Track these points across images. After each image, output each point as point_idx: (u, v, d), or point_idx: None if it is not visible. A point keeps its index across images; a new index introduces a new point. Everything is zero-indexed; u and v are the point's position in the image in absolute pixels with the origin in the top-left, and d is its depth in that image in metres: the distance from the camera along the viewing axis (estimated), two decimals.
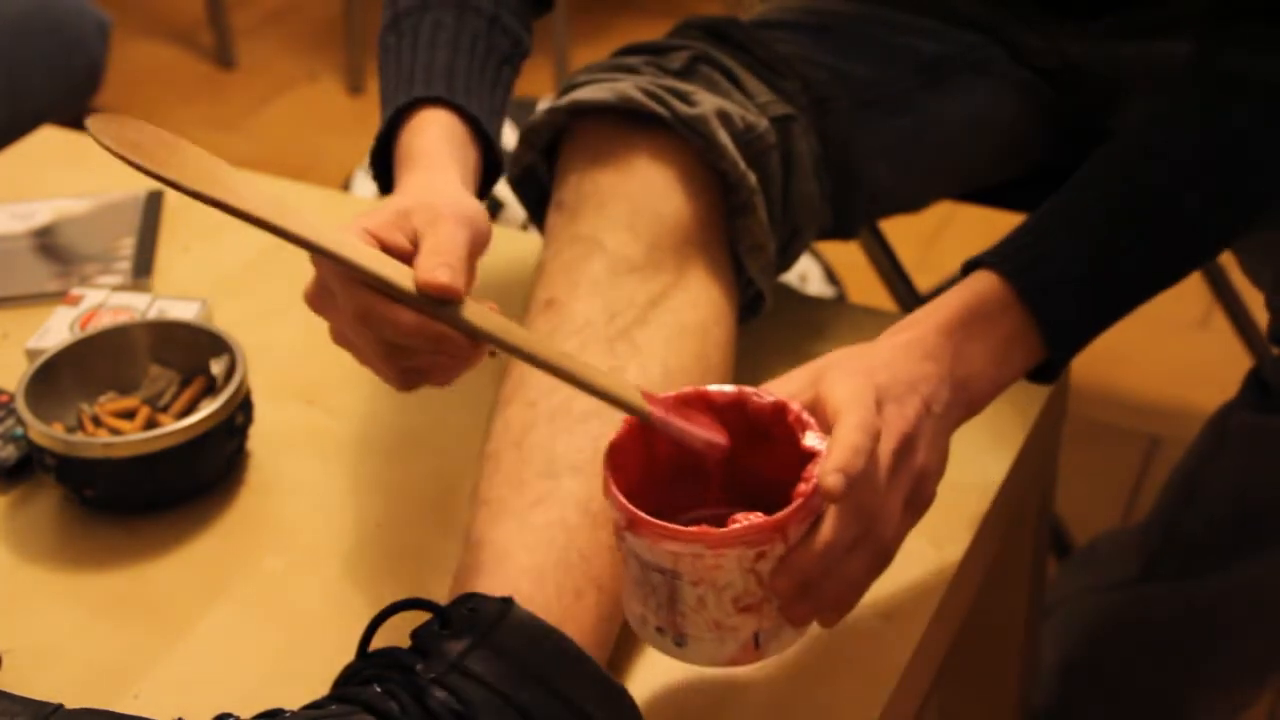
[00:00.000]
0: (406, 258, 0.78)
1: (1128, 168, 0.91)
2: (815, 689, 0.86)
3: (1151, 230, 0.89)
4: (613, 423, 0.87)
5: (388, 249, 0.78)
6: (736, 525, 0.73)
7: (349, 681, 0.76)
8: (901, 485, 0.78)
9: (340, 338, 0.82)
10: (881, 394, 0.78)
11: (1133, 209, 0.89)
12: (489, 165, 0.93)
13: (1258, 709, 1.43)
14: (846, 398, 0.76)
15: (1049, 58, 1.21)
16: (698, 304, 0.95)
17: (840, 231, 1.13)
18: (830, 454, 0.74)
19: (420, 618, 0.77)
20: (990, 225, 1.27)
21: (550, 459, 0.86)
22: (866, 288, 1.79)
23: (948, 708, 1.30)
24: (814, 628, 0.80)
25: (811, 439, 0.77)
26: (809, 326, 1.13)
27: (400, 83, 0.92)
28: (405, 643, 0.76)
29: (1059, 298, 0.87)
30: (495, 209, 1.72)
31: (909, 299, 1.54)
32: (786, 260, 1.06)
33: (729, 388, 0.80)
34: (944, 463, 0.82)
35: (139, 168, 0.75)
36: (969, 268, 0.89)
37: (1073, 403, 1.16)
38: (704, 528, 0.73)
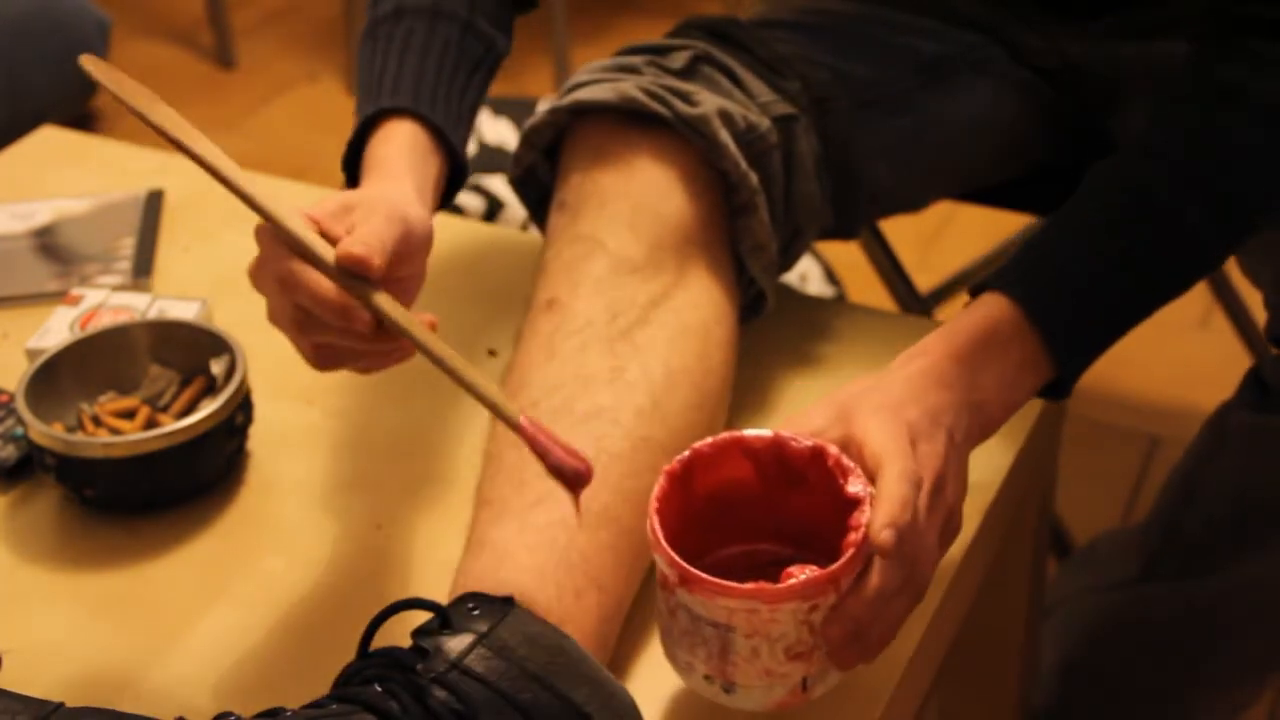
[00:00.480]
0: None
1: (1129, 183, 0.91)
2: None
3: (1156, 246, 0.90)
4: (615, 422, 0.87)
5: (325, 236, 0.81)
6: (794, 580, 0.74)
7: (350, 681, 0.76)
8: (937, 523, 0.79)
9: (271, 314, 0.84)
10: (913, 432, 0.79)
11: (1136, 225, 0.90)
12: (455, 171, 0.95)
13: (1258, 709, 1.43)
14: (885, 443, 0.78)
15: (1049, 58, 1.21)
16: (699, 304, 0.95)
17: (841, 231, 1.13)
18: (880, 508, 0.75)
19: (421, 617, 0.77)
20: (990, 225, 1.27)
21: None
22: (866, 288, 1.79)
23: (948, 708, 1.30)
24: None
25: (855, 485, 0.78)
26: (809, 326, 1.13)
27: (369, 92, 0.94)
28: (406, 642, 0.76)
29: (1069, 319, 0.88)
30: (495, 209, 1.72)
31: (909, 299, 1.54)
32: (788, 260, 1.06)
33: (765, 432, 0.81)
34: (966, 488, 0.83)
35: (118, 99, 0.84)
36: (977, 290, 0.89)
37: (1073, 403, 1.16)
38: (761, 584, 0.74)
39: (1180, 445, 1.19)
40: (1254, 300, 1.09)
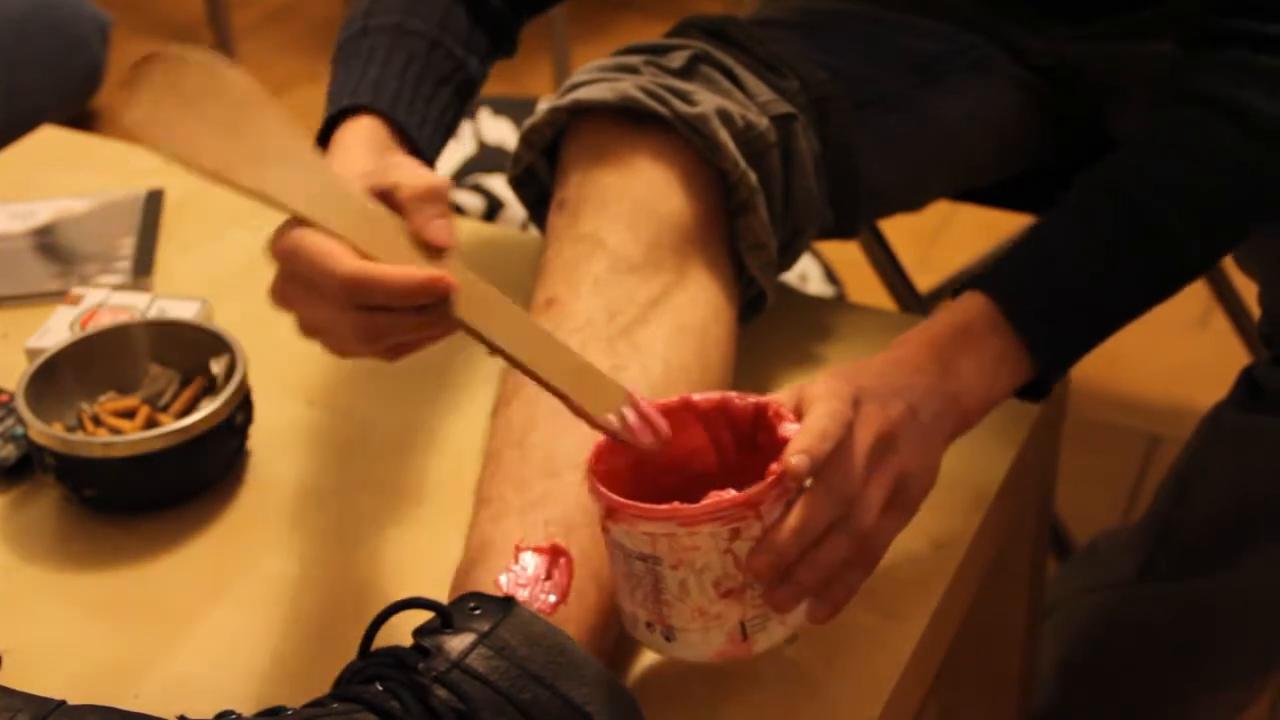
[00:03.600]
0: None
1: (1111, 189, 0.92)
2: (815, 689, 0.86)
3: (1138, 252, 0.91)
4: None
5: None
6: (709, 501, 0.75)
7: (351, 680, 0.76)
8: (882, 481, 0.79)
9: (311, 327, 0.81)
10: (862, 394, 0.80)
11: (1118, 231, 0.91)
12: None
13: (1258, 708, 1.43)
14: (823, 390, 0.79)
15: (1046, 57, 1.21)
16: (698, 303, 0.95)
17: (841, 230, 1.13)
18: (796, 437, 0.76)
19: (422, 616, 0.77)
20: (990, 225, 1.27)
21: (551, 457, 0.86)
22: (866, 287, 1.79)
23: (948, 708, 1.30)
24: (811, 629, 0.80)
25: (788, 429, 0.78)
26: (809, 326, 1.13)
27: (332, 102, 0.94)
28: (407, 642, 0.77)
29: (1045, 316, 0.89)
30: (495, 209, 1.72)
31: (909, 299, 1.54)
32: (788, 259, 1.06)
33: (713, 394, 0.82)
34: (933, 471, 0.83)
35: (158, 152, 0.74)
36: (958, 290, 0.90)
37: (1073, 403, 1.16)
38: (677, 505, 0.75)
39: (1180, 445, 1.19)
40: (1254, 300, 1.10)
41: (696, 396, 0.82)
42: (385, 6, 1.01)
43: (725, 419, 0.82)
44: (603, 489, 0.77)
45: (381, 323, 0.77)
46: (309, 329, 0.81)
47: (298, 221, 0.76)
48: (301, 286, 0.78)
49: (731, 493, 0.75)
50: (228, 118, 0.75)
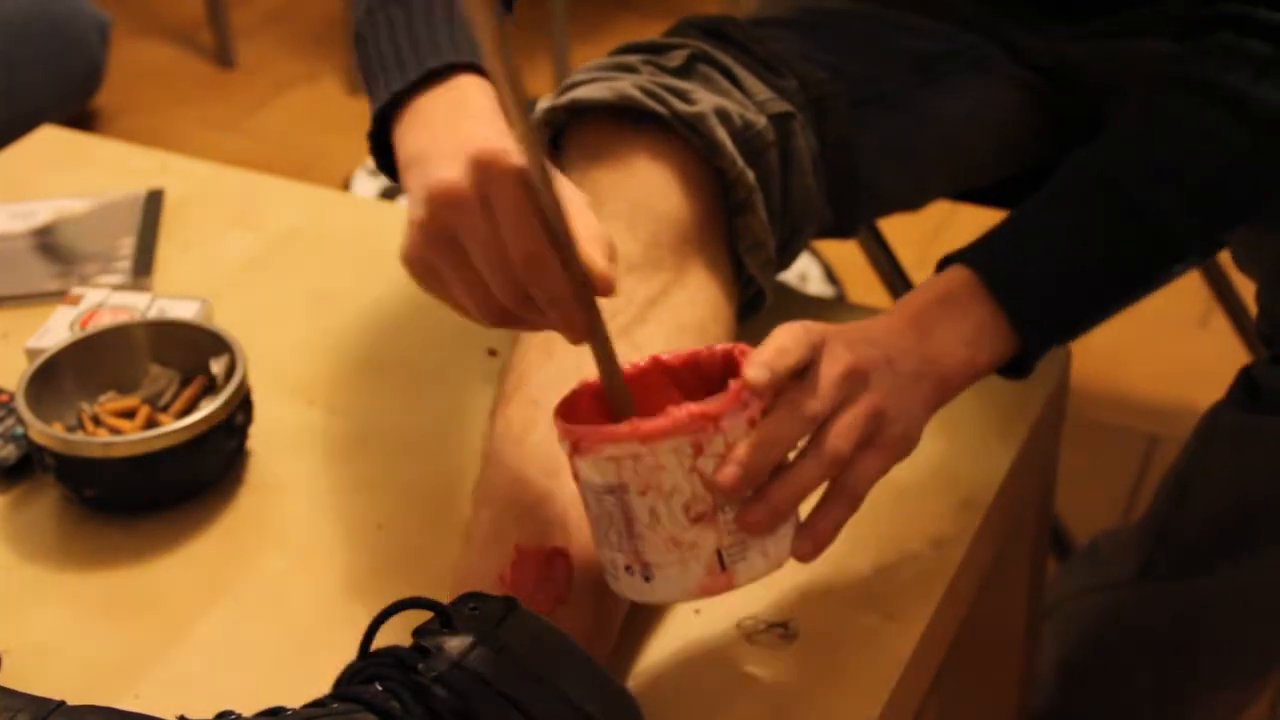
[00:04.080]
0: None
1: (1098, 171, 0.93)
2: (815, 688, 0.86)
3: (1121, 231, 0.91)
4: None
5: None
6: (666, 415, 0.75)
7: (351, 680, 0.76)
8: (854, 412, 0.79)
9: (434, 279, 0.78)
10: (829, 334, 0.80)
11: (1102, 210, 0.92)
12: None
13: (1258, 708, 1.43)
14: (786, 325, 0.79)
15: (1046, 56, 1.21)
16: (696, 302, 0.95)
17: (840, 230, 1.13)
18: (756, 352, 0.77)
19: (422, 616, 0.77)
20: (989, 225, 1.27)
21: (551, 457, 0.86)
22: (866, 287, 1.79)
23: (948, 708, 1.30)
24: (811, 629, 0.80)
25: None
26: None
27: (400, 64, 0.85)
28: (407, 642, 0.76)
29: (1028, 289, 0.89)
30: None
31: None
32: (786, 258, 1.06)
33: (682, 351, 0.82)
34: (914, 420, 0.83)
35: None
36: (941, 265, 0.91)
37: (1073, 403, 1.16)
38: (635, 420, 0.75)
39: (1180, 445, 1.19)
40: (1253, 300, 1.10)
41: (665, 355, 0.82)
42: None
43: (697, 375, 0.82)
44: (566, 424, 0.76)
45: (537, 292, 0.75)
46: (429, 282, 0.78)
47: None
48: (448, 246, 0.75)
49: (691, 405, 0.75)
50: None
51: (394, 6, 0.89)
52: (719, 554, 0.77)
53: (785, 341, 0.77)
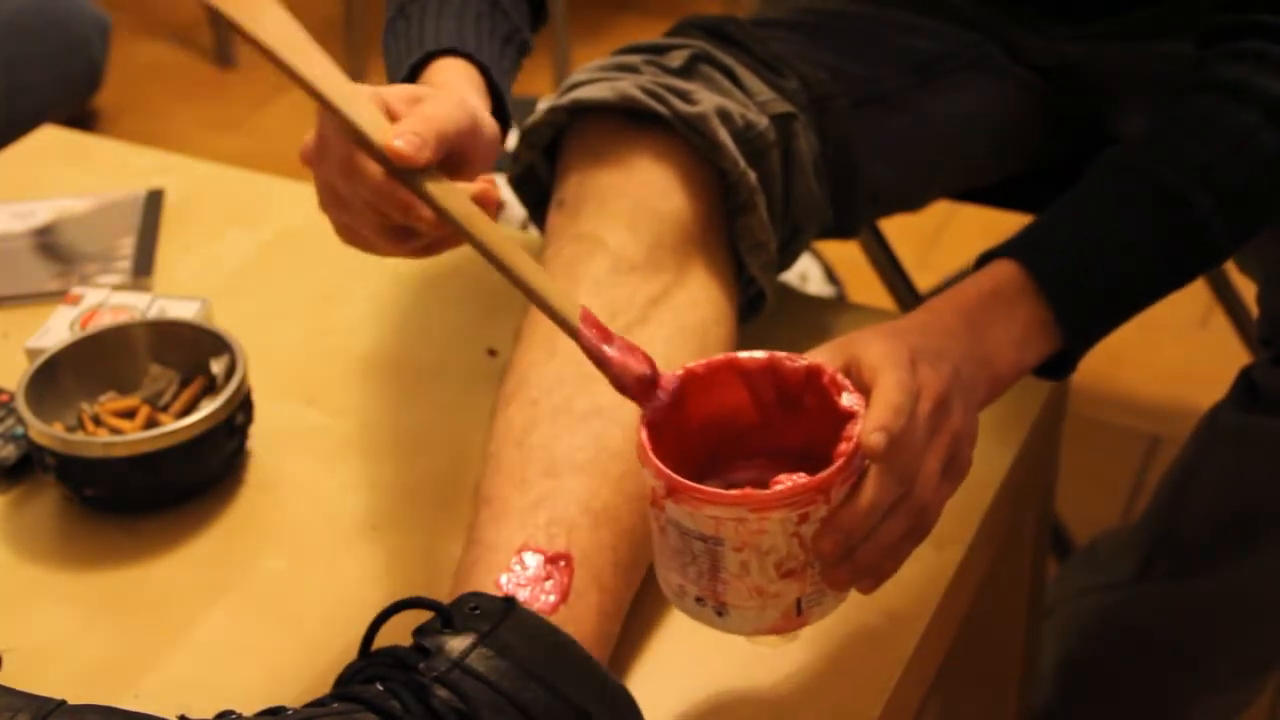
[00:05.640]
0: None
1: (1139, 169, 0.92)
2: (815, 689, 0.86)
3: (1162, 231, 0.90)
4: (615, 421, 0.87)
5: (391, 118, 0.79)
6: (781, 487, 0.73)
7: (351, 680, 0.76)
8: (939, 447, 0.78)
9: (323, 201, 0.83)
10: (914, 354, 0.78)
11: (1144, 209, 0.90)
12: (500, 120, 0.92)
13: (1257, 709, 1.43)
14: (883, 356, 0.77)
15: (1046, 57, 1.21)
16: (698, 303, 0.95)
17: (841, 230, 1.13)
18: (871, 412, 0.74)
19: (422, 617, 0.77)
20: (990, 225, 1.27)
21: (552, 458, 0.86)
22: (866, 287, 1.79)
23: (948, 708, 1.30)
24: (811, 629, 0.80)
25: (848, 399, 0.76)
26: (809, 326, 1.13)
27: (410, 48, 0.92)
28: (407, 642, 0.76)
29: (1074, 287, 0.87)
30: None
31: (909, 299, 1.54)
32: (788, 258, 1.06)
33: (760, 353, 0.80)
34: (975, 432, 0.81)
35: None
36: (984, 259, 0.89)
37: (1073, 403, 1.16)
38: (748, 491, 0.73)
39: (1180, 445, 1.19)
40: (1254, 300, 1.10)
41: (742, 355, 0.80)
42: None
43: (772, 378, 0.80)
44: (663, 468, 0.74)
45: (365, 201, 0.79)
46: (323, 202, 0.83)
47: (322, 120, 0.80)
48: (324, 151, 0.80)
49: (802, 476, 0.73)
50: None
51: (398, 20, 0.96)
52: (798, 601, 0.76)
53: (900, 400, 0.74)
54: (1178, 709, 1.27)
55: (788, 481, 0.73)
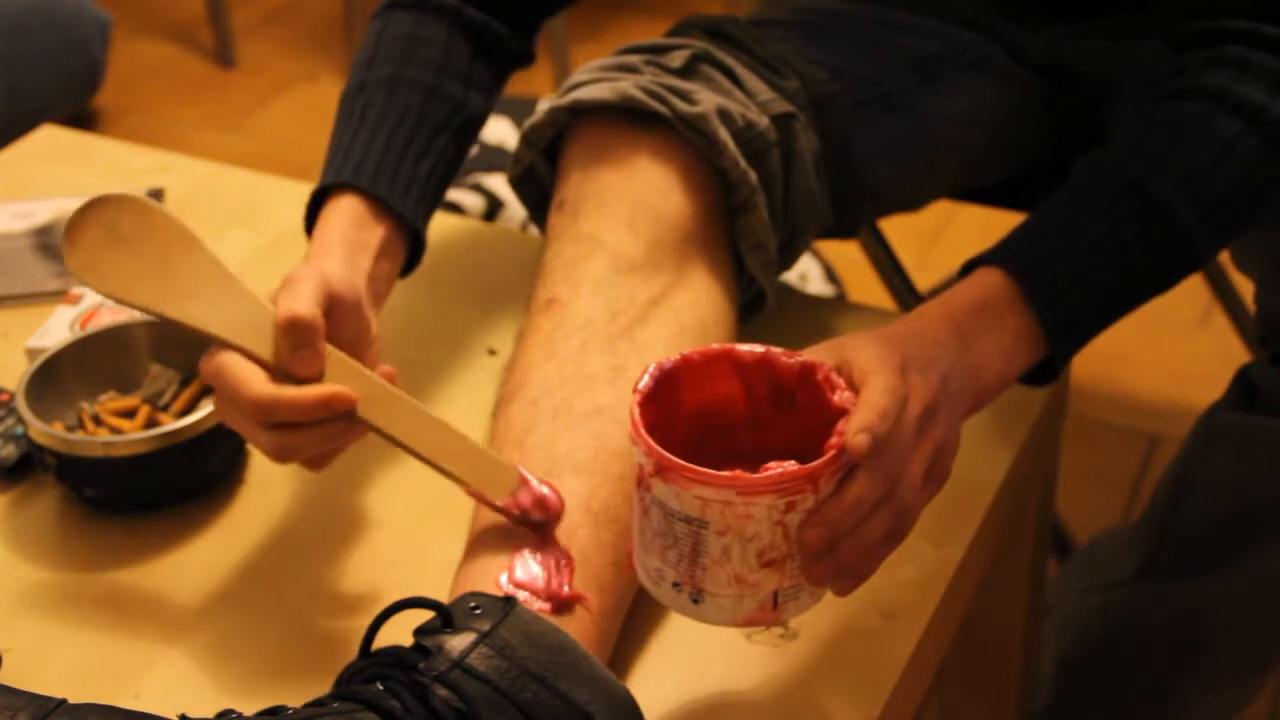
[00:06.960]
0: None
1: (1120, 176, 0.92)
2: (815, 688, 0.86)
3: (1144, 238, 0.91)
4: (615, 421, 0.88)
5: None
6: (771, 472, 0.74)
7: (351, 680, 0.76)
8: (924, 453, 0.79)
9: (248, 438, 0.88)
10: (905, 360, 0.79)
11: (1126, 216, 0.91)
12: (415, 235, 1.00)
13: (1257, 708, 1.43)
14: (874, 360, 0.78)
15: (1046, 56, 1.21)
16: (698, 303, 0.95)
17: (841, 230, 1.13)
18: (858, 414, 0.75)
19: (422, 616, 0.77)
20: (990, 225, 1.27)
21: (552, 458, 0.86)
22: (866, 287, 1.79)
23: (948, 708, 1.30)
24: (812, 629, 0.80)
25: (841, 397, 0.77)
26: (809, 326, 1.13)
27: (325, 169, 0.99)
28: (407, 641, 0.77)
29: (1060, 297, 0.88)
30: (495, 208, 1.72)
31: (909, 299, 1.54)
32: (788, 258, 1.06)
33: (757, 347, 0.80)
34: (958, 443, 0.82)
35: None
36: (970, 266, 0.90)
37: (1073, 403, 1.16)
38: (738, 472, 0.73)
39: (1180, 445, 1.19)
40: (1252, 300, 1.10)
41: (740, 347, 0.80)
42: (386, 54, 1.03)
43: (766, 373, 0.80)
44: (654, 444, 0.74)
45: (291, 441, 0.85)
46: (249, 440, 0.87)
47: (222, 346, 0.85)
48: (229, 405, 0.86)
49: (793, 464, 0.74)
50: (159, 255, 0.84)
51: (337, 115, 1.03)
52: (775, 594, 0.77)
53: (888, 403, 0.75)
54: (1177, 708, 1.27)
55: (778, 468, 0.74)
